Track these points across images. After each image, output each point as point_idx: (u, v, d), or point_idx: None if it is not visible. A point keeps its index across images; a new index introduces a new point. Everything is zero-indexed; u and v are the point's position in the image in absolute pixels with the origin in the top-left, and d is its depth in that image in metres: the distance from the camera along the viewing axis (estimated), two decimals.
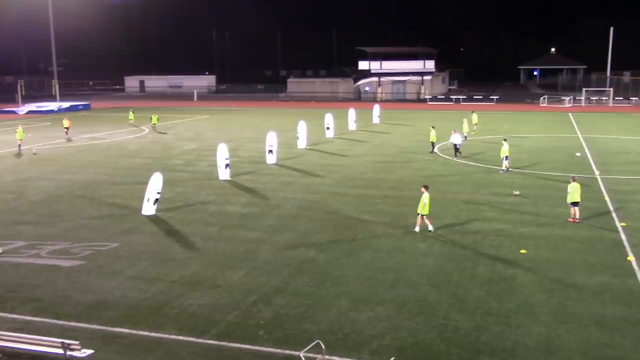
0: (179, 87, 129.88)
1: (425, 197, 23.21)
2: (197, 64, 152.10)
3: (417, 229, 23.40)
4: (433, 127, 46.09)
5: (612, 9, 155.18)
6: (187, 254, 21.37)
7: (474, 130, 55.23)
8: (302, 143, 47.45)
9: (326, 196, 30.14)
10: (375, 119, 67.03)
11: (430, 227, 23.44)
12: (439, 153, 42.94)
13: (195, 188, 32.11)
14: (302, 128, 48.23)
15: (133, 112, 69.28)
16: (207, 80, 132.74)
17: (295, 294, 17.66)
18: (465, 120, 53.41)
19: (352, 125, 60.24)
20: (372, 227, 24.23)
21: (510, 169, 35.46)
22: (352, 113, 60.91)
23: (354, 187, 31.98)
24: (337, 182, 33.35)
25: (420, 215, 23.36)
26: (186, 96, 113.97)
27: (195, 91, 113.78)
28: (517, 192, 29.43)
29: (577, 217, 24.94)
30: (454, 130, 43.36)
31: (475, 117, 57.67)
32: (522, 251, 20.92)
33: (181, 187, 32.20)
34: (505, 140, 37.41)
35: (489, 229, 23.87)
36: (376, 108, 68.92)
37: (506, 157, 35.60)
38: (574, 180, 25.56)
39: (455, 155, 40.97)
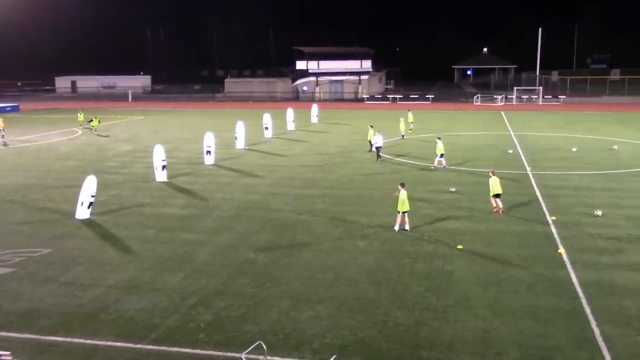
0: (113, 87, 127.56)
1: (403, 193, 23.02)
2: (131, 64, 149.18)
3: (396, 227, 23.14)
4: (371, 127, 45.72)
5: (541, 10, 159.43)
6: (124, 258, 20.94)
7: (410, 129, 55.50)
8: (240, 143, 46.75)
9: (265, 196, 29.76)
10: (314, 119, 66.85)
11: (407, 227, 23.13)
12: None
13: (131, 190, 31.51)
14: (240, 128, 47.48)
15: (81, 112, 66.87)
16: (141, 81, 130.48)
17: (236, 295, 17.43)
18: (401, 120, 53.26)
19: (290, 125, 59.72)
20: (311, 227, 24.03)
21: (446, 167, 36.15)
22: (290, 113, 60.42)
23: (293, 187, 31.67)
24: (276, 182, 32.97)
25: (400, 213, 23.12)
26: (120, 97, 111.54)
27: (129, 92, 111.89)
28: (453, 189, 29.55)
29: (501, 206, 25.49)
30: (377, 132, 42.84)
31: (410, 116, 57.92)
32: (459, 246, 21.07)
33: (116, 190, 31.54)
34: (439, 138, 37.70)
35: (426, 225, 23.91)
36: (314, 108, 68.86)
37: (441, 154, 35.95)
38: (493, 174, 26.21)
39: (378, 158, 39.66)
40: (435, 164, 35.60)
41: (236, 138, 47.52)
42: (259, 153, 43.81)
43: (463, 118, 70.48)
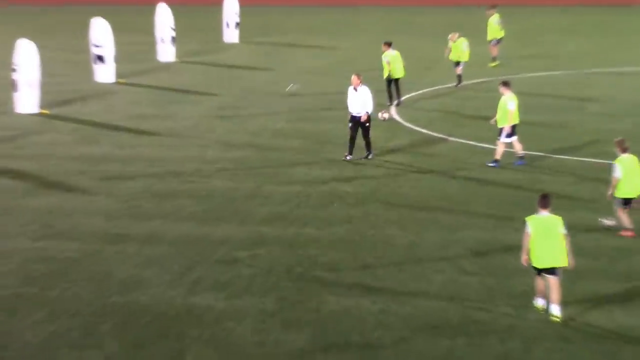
0: None
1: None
2: None
3: None
4: (387, 45, 30.34)
5: None
6: None
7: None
8: (28, 99, 29.83)
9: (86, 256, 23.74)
10: (229, 32, 46.80)
11: None
12: None
13: None
14: (28, 58, 29.45)
15: None
16: None
17: None
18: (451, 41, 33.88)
19: (164, 49, 41.13)
20: None
21: (522, 159, 27.90)
22: (163, 17, 41.03)
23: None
24: (122, 209, 24.00)
25: None
26: None
27: None
28: (609, 222, 17.70)
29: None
30: (358, 80, 32.10)
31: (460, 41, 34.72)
32: None
33: None
34: (505, 85, 24.77)
35: None
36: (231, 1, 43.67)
37: (510, 132, 23.95)
38: None
39: (367, 152, 28.98)
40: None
41: (15, 85, 29.37)
42: (78, 125, 28.29)
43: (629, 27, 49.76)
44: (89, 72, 35.43)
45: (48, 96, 30.39)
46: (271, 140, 25.70)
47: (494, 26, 37.26)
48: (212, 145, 24.95)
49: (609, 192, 17.05)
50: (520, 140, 22.36)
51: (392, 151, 24.02)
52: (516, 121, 21.88)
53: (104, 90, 33.57)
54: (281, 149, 24.48)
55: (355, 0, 62.32)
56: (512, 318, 13.25)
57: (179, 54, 40.66)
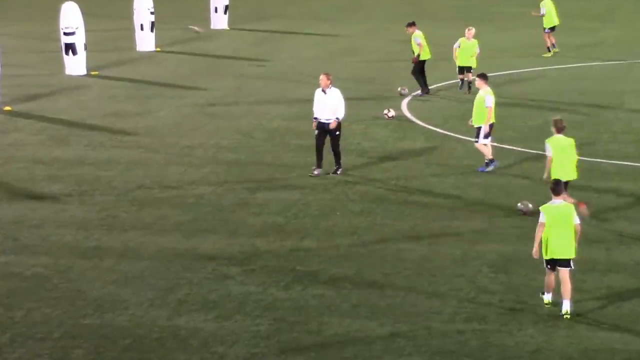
0: None
1: None
2: None
3: None
4: (410, 26, 31.32)
5: None
6: None
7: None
8: None
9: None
10: (217, 17, 47.05)
11: None
12: None
13: None
14: None
15: None
16: None
17: None
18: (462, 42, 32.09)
19: (143, 37, 40.98)
20: None
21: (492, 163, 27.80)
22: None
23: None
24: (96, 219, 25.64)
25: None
26: None
27: None
28: None
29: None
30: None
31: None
32: None
33: None
34: (482, 78, 26.83)
35: None
36: None
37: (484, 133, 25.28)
38: None
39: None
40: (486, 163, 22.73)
41: None
42: (45, 124, 28.53)
43: None
44: (58, 64, 35.63)
45: (11, 91, 30.66)
46: (266, 140, 25.88)
47: (548, 12, 37.18)
48: (198, 147, 25.07)
49: (544, 175, 18.11)
50: None
51: (402, 153, 24.11)
52: (493, 120, 21.87)
53: (75, 84, 33.90)
54: (277, 150, 24.60)
55: None
56: (537, 342, 13.46)
57: (160, 42, 40.86)
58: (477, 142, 21.99)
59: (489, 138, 21.90)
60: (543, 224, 13.94)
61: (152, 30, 41.02)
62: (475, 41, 31.03)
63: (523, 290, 15.41)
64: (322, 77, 22.09)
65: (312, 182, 21.85)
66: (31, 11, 52.41)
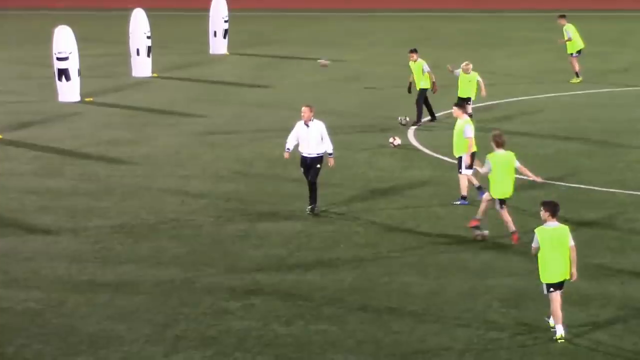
0: None
1: None
2: None
3: None
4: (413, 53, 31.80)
5: None
6: None
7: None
8: None
9: None
10: (216, 42, 46.91)
11: None
12: None
13: None
14: None
15: None
16: None
17: None
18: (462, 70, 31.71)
19: (138, 62, 41.33)
20: None
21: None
22: (138, 21, 41.46)
23: None
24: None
25: None
26: None
27: None
28: None
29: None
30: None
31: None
32: None
33: None
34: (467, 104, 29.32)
35: None
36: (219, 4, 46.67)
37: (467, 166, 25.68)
38: None
39: None
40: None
41: None
42: (38, 153, 28.96)
43: None
44: (51, 90, 35.81)
45: (2, 119, 31.04)
46: (267, 169, 26.02)
47: (574, 37, 37.42)
48: (196, 176, 25.27)
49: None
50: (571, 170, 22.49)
51: (409, 182, 24.25)
52: (475, 149, 21.95)
53: (69, 111, 34.13)
54: (279, 180, 24.73)
55: (367, 3, 61.78)
56: None
57: (157, 67, 41.06)
58: (460, 172, 22.00)
59: (472, 169, 21.87)
60: (537, 248, 14.44)
61: (148, 55, 41.21)
62: (474, 74, 30.96)
63: (535, 326, 15.45)
64: (305, 110, 21.75)
65: (314, 214, 21.93)
66: (23, 35, 52.67)
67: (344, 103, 30.96)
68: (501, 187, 18.51)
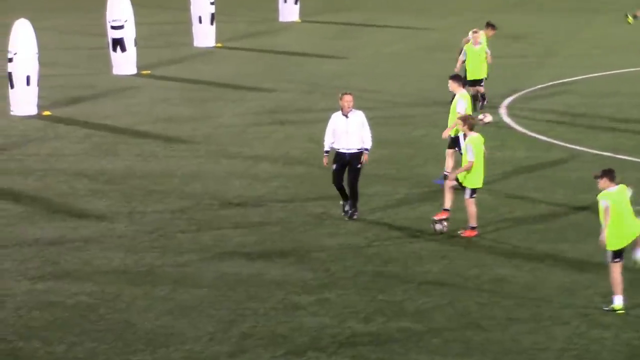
0: None
1: None
2: None
3: None
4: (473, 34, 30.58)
5: None
6: None
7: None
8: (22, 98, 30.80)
9: None
10: (286, 9, 47.78)
11: None
12: None
13: None
14: (26, 45, 30.90)
15: None
16: None
17: None
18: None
19: (201, 31, 42.47)
20: None
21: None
22: None
23: None
24: None
25: None
26: None
27: None
28: None
29: None
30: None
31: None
32: None
33: None
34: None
35: None
36: None
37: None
38: None
39: None
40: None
41: (11, 80, 30.90)
42: (89, 131, 29.66)
43: None
44: (105, 62, 36.60)
45: (50, 94, 31.66)
46: None
47: None
48: (265, 157, 25.61)
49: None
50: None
51: (501, 163, 24.25)
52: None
53: (124, 85, 35.07)
54: None
55: None
56: None
57: (221, 37, 41.60)
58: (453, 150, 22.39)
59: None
60: (609, 208, 15.31)
61: (212, 23, 41.87)
62: (483, 45, 30.00)
63: None
64: (348, 98, 20.72)
65: (396, 197, 22.01)
66: (73, 2, 53.63)
67: (427, 76, 30.89)
68: (479, 175, 19.38)
